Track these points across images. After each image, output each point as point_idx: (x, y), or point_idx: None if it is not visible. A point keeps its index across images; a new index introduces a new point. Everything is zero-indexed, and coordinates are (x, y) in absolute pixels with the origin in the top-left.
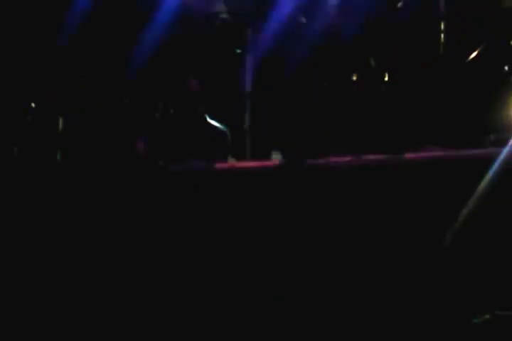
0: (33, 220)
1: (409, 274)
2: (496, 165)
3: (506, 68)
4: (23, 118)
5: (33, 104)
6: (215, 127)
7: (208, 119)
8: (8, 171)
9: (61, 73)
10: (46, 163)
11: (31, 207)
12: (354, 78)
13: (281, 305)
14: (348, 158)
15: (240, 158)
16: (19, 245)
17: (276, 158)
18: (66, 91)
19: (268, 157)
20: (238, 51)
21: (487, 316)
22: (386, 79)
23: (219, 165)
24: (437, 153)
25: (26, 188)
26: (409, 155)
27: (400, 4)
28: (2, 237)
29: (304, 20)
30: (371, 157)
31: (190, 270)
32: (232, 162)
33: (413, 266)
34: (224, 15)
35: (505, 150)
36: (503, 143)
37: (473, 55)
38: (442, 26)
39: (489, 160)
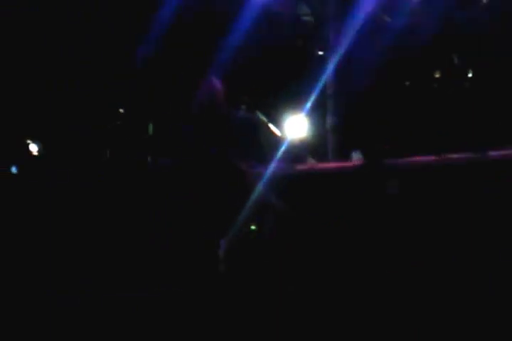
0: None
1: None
2: None
3: None
4: (113, 124)
5: (121, 110)
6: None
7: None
8: (101, 173)
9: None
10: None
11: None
12: (437, 76)
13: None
14: (431, 158)
15: (322, 158)
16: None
17: (356, 159)
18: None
19: (349, 157)
20: (320, 53)
21: None
22: (469, 76)
23: (300, 167)
24: None
25: (119, 190)
26: (493, 154)
27: (484, 1)
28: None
29: (386, 19)
30: (455, 156)
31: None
32: (312, 163)
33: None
34: (306, 17)
35: None
36: None
37: None
38: None
39: None
